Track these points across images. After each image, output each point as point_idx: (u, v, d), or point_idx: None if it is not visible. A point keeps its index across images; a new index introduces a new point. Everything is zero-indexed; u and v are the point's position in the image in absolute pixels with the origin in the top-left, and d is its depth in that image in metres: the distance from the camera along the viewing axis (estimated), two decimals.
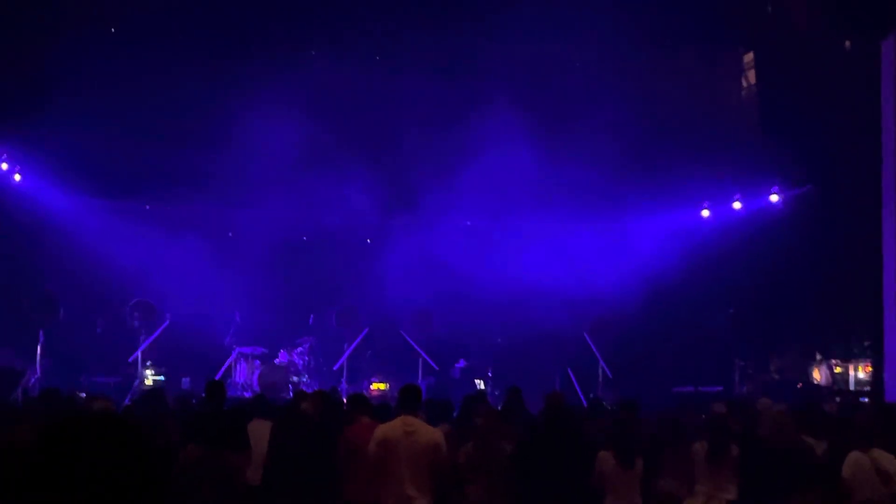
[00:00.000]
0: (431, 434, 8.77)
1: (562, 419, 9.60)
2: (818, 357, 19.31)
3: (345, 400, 12.61)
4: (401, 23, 19.45)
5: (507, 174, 20.48)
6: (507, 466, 9.14)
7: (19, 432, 6.41)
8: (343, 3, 19.58)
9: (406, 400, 9.02)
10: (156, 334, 21.31)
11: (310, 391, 13.36)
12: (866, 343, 18.56)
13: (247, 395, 19.91)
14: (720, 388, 19.44)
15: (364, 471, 8.81)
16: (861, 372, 18.83)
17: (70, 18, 18.60)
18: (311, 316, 22.39)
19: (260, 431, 9.74)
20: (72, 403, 11.43)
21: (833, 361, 19.14)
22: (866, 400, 16.74)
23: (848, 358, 19.13)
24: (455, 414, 11.86)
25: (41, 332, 20.03)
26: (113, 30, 18.99)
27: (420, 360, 22.14)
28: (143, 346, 21.19)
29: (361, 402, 10.50)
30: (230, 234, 23.58)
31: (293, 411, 10.63)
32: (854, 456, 8.51)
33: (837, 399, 16.81)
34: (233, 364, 21.37)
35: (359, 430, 9.32)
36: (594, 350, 21.84)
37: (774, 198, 20.34)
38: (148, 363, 21.39)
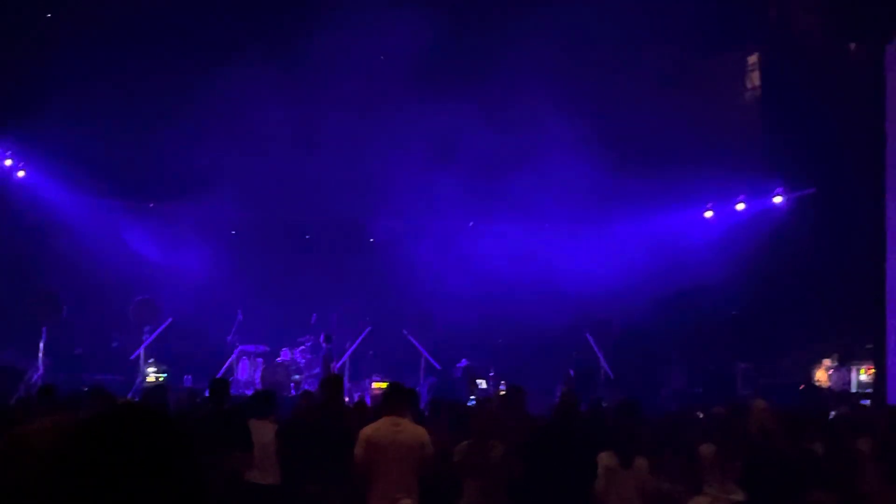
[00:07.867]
0: (417, 433, 8.77)
1: (571, 419, 9.59)
2: (822, 359, 19.27)
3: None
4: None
5: (511, 178, 20.46)
6: (501, 466, 9.10)
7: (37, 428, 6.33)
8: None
9: (390, 400, 8.98)
10: (158, 332, 21.28)
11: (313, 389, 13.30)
12: (868, 345, 18.53)
13: (249, 392, 19.90)
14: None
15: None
16: (863, 374, 18.80)
17: (76, 16, 18.61)
18: (314, 315, 22.38)
19: (259, 430, 9.69)
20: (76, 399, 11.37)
21: (836, 363, 19.10)
22: (868, 402, 16.71)
23: (850, 360, 19.10)
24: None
25: (44, 331, 20.04)
26: (118, 28, 18.97)
27: (422, 359, 22.13)
28: (146, 343, 21.16)
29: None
30: (233, 233, 23.62)
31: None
32: None
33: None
34: (235, 362, 21.38)
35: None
36: (596, 350, 21.84)
37: (778, 199, 20.33)
38: (150, 361, 21.34)
